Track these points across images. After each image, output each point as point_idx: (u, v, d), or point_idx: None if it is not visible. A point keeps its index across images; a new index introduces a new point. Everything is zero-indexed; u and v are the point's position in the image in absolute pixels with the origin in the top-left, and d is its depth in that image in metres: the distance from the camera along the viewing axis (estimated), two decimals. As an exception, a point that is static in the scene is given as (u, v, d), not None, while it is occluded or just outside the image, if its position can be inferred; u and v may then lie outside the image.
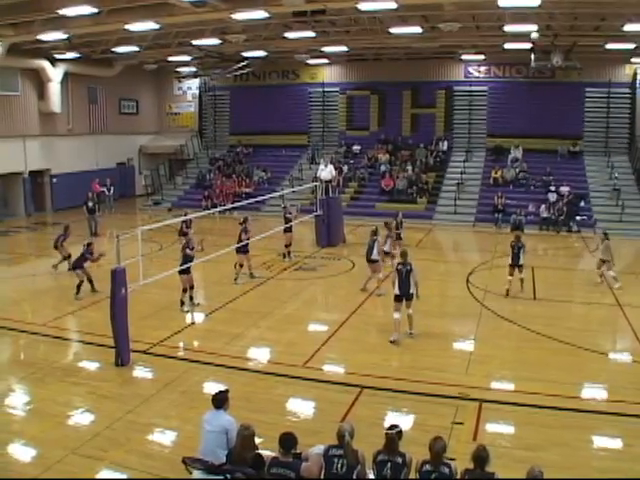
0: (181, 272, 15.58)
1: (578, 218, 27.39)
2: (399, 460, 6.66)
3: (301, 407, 10.50)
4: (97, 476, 8.37)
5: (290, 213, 21.37)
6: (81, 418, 10.06)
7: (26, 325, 14.83)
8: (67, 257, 19.39)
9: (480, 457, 6.41)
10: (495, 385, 11.25)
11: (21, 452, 9.06)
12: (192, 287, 15.94)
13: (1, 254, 23.98)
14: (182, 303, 15.84)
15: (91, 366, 12.51)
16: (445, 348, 13.21)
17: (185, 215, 20.97)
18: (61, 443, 9.11)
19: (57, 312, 15.99)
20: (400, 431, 6.87)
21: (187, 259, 15.66)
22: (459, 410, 10.01)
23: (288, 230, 21.09)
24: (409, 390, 10.80)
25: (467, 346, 13.26)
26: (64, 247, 19.73)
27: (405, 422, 9.44)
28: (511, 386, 11.23)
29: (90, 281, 17.41)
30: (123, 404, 10.44)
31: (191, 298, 15.96)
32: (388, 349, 13.00)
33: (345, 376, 11.68)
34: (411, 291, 13.31)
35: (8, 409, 10.50)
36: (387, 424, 7.22)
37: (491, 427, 9.62)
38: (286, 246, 21.18)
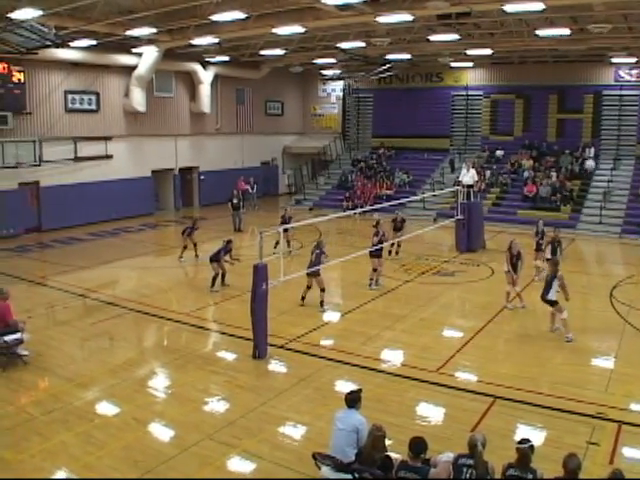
0: (312, 273, 15.81)
1: None
2: (530, 476, 6.42)
3: (432, 413, 10.33)
4: (228, 463, 8.66)
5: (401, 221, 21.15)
6: (218, 405, 10.47)
7: (171, 313, 15.63)
8: (186, 247, 21.36)
9: None
10: (636, 407, 10.49)
11: (161, 432, 9.57)
12: (323, 290, 15.95)
13: (151, 245, 25.50)
14: (302, 298, 16.12)
15: (229, 357, 12.97)
16: (584, 364, 12.55)
17: (285, 211, 21.93)
18: (198, 427, 9.53)
19: (199, 303, 16.74)
20: (532, 446, 6.61)
21: (318, 261, 15.82)
22: (596, 430, 9.44)
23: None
24: (544, 404, 10.34)
25: (607, 363, 12.51)
26: (191, 238, 21.19)
27: (538, 437, 9.05)
28: (654, 409, 10.48)
29: (222, 275, 18.00)
30: (258, 395, 10.75)
31: (321, 303, 15.92)
32: (524, 360, 12.55)
33: (479, 385, 11.36)
34: (549, 297, 13.55)
35: (151, 390, 11.13)
36: (519, 437, 6.95)
37: (629, 451, 8.97)
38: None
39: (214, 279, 17.75)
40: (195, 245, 21.43)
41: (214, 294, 17.40)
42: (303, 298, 16.13)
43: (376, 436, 7.11)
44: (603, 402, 10.41)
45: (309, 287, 16.04)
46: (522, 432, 9.12)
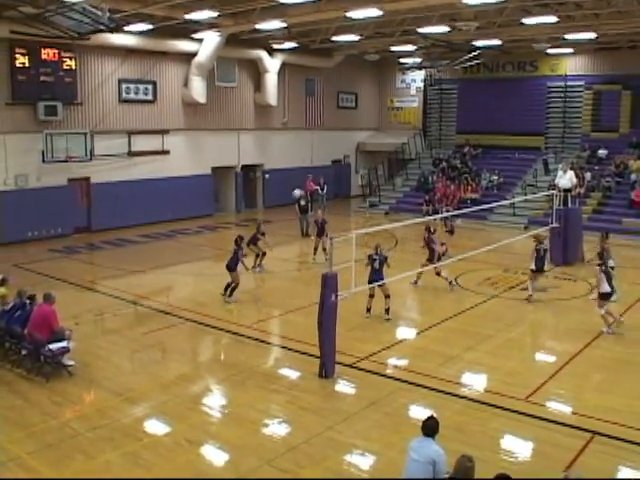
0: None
1: None
2: None
3: (519, 446, 10.08)
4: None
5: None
6: (278, 428, 10.46)
7: (230, 324, 15.77)
8: (260, 254, 21.05)
9: None
10: None
11: (215, 455, 9.65)
12: (387, 297, 15.99)
13: (209, 250, 25.90)
14: (368, 310, 16.14)
15: (293, 374, 12.98)
16: None
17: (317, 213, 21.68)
18: (256, 452, 9.53)
19: (261, 314, 16.91)
20: None
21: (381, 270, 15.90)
22: None
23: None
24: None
25: None
26: (257, 246, 20.95)
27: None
28: None
29: (235, 286, 17.80)
30: (323, 419, 10.71)
31: (387, 311, 16.03)
32: (630, 392, 12.11)
33: (574, 417, 11.02)
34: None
35: (206, 409, 11.23)
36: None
37: None
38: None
39: (228, 287, 17.77)
40: (259, 255, 21.07)
41: (284, 305, 17.39)
42: (368, 310, 16.12)
43: (468, 467, 6.93)
44: None
45: (372, 296, 16.05)
46: (626, 475, 8.83)
